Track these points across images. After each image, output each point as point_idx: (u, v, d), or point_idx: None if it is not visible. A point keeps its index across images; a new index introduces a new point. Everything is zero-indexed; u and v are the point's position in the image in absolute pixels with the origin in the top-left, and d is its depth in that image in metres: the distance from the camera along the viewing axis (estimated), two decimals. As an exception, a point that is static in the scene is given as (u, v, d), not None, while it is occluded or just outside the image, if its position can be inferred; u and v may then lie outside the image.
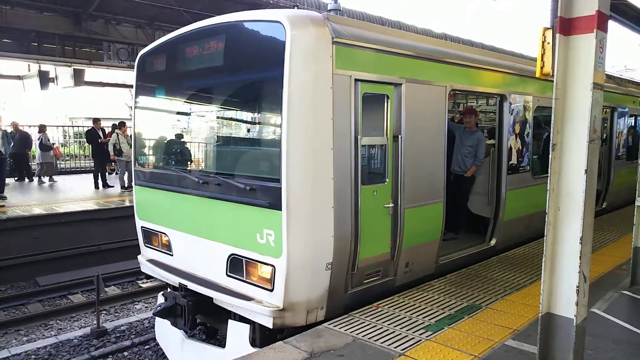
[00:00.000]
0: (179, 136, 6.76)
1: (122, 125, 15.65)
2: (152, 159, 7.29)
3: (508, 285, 6.27)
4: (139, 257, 7.14)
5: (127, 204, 13.18)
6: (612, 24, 4.14)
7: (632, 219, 6.28)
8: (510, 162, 7.78)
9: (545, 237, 3.66)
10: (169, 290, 6.70)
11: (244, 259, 5.29)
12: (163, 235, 6.54)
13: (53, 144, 18.09)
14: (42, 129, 18.00)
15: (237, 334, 5.53)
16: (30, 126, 19.69)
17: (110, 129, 17.61)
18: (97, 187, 16.22)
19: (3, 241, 11.19)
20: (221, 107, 6.30)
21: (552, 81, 3.55)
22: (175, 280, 6.18)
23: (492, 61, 7.63)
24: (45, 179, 17.69)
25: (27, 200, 13.88)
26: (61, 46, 15.60)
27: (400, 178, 5.77)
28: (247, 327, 5.43)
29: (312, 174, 4.90)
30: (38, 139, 17.82)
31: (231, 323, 5.63)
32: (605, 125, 11.61)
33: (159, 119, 7.19)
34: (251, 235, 5.13)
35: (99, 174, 16.48)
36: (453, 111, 11.03)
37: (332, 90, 4.91)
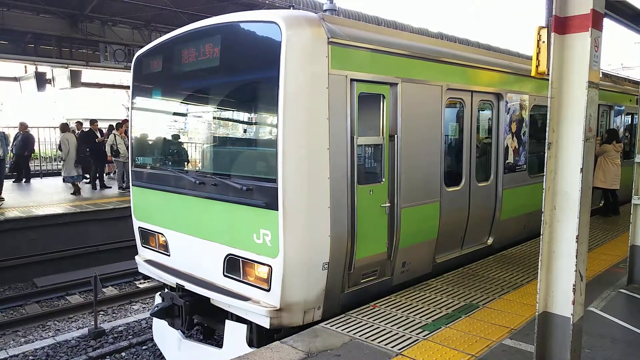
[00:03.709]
0: (176, 137, 6.75)
1: (119, 126, 15.60)
2: (149, 159, 7.28)
3: (505, 284, 6.27)
4: (136, 257, 7.13)
5: (125, 204, 13.15)
6: (608, 22, 4.15)
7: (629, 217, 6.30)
8: (507, 161, 7.79)
9: (541, 236, 3.66)
10: (166, 290, 6.69)
11: (240, 259, 5.29)
12: (160, 235, 6.53)
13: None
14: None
15: (234, 334, 5.53)
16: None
17: (107, 130, 17.55)
18: (94, 187, 16.21)
19: (0, 242, 11.16)
20: (217, 108, 6.29)
21: (548, 80, 3.55)
22: (172, 280, 6.17)
23: (488, 60, 7.64)
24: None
25: (24, 201, 13.84)
26: (58, 48, 15.61)
27: (396, 177, 5.78)
28: (244, 327, 5.43)
29: (308, 174, 4.90)
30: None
31: (228, 323, 5.63)
32: (602, 123, 11.62)
33: (155, 119, 7.18)
34: (248, 235, 5.12)
35: (97, 174, 16.46)
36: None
37: (328, 91, 4.91)
